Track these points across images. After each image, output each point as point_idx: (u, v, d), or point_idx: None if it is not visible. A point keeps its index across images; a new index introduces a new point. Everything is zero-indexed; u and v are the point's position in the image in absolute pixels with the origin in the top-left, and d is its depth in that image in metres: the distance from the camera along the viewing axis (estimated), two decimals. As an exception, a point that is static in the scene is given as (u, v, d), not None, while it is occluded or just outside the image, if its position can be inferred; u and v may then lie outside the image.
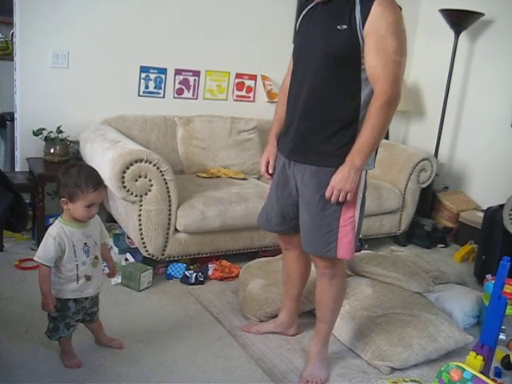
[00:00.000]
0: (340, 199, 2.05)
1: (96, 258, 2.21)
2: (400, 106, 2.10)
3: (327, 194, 2.06)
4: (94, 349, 2.44)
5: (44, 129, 3.57)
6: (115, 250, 3.37)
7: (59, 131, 3.58)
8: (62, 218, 2.13)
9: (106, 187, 2.14)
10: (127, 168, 2.93)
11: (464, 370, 1.51)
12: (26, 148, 3.67)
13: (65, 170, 2.13)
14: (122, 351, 2.43)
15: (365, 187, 2.18)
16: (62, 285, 2.15)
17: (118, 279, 3.07)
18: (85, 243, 2.15)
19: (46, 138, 3.57)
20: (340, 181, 2.03)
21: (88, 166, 2.22)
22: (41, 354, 2.36)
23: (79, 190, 2.03)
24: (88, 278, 2.18)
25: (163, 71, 3.97)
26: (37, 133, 3.57)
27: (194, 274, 3.15)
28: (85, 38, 3.66)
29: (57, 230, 2.09)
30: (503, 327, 2.74)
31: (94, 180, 2.08)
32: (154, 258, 3.14)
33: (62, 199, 2.09)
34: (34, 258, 2.09)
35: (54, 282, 2.15)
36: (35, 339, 2.45)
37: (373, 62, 1.96)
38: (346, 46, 1.98)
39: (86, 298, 2.23)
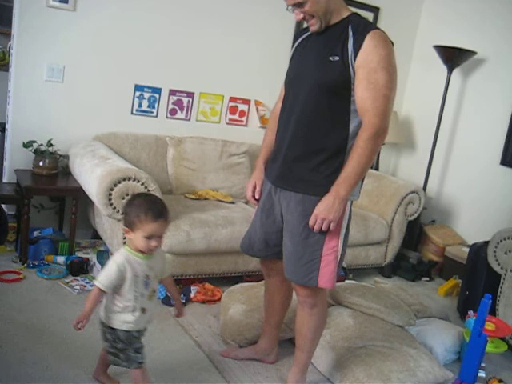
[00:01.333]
0: (323, 228, 2.06)
1: (154, 291, 2.12)
2: (391, 137, 2.13)
3: (311, 222, 2.06)
4: (72, 366, 2.39)
5: (34, 141, 3.57)
6: (98, 266, 3.34)
7: (49, 144, 3.58)
8: (128, 246, 2.06)
9: (168, 219, 2.03)
10: (115, 185, 2.92)
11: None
12: (15, 159, 3.66)
13: (130, 198, 2.13)
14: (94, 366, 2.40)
15: (349, 218, 2.18)
16: (116, 314, 2.06)
17: (98, 297, 3.03)
18: (147, 275, 2.06)
19: (36, 151, 3.56)
20: (324, 210, 2.03)
21: (154, 197, 2.17)
22: (13, 369, 2.32)
23: (138, 219, 1.96)
24: (143, 311, 2.08)
25: (158, 91, 3.99)
26: (27, 145, 3.56)
27: (176, 296, 3.12)
28: (81, 54, 3.68)
29: (123, 258, 2.01)
30: (483, 364, 2.73)
31: (154, 210, 1.98)
32: (137, 277, 3.12)
33: (124, 227, 2.03)
34: (95, 282, 2.00)
35: (108, 308, 2.07)
36: (8, 354, 2.41)
37: (363, 95, 1.98)
38: (337, 77, 2.00)
39: (137, 332, 2.12)
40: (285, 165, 2.16)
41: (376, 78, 1.95)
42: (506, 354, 3.08)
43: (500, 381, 2.79)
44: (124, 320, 2.06)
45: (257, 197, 2.38)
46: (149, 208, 1.97)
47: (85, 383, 2.30)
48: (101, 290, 1.98)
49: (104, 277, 1.99)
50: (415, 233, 4.51)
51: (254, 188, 2.39)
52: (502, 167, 4.28)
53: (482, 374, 2.80)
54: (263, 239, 2.35)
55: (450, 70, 4.39)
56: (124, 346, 2.08)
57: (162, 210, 2.01)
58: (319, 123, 2.07)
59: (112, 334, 2.08)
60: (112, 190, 2.92)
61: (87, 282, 3.23)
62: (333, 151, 2.07)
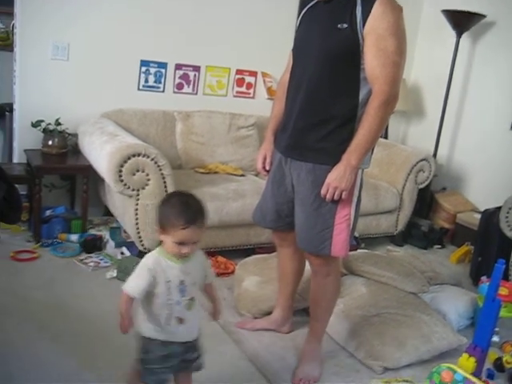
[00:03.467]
0: (335, 197, 2.05)
1: (192, 299, 1.85)
2: (400, 105, 2.10)
3: (323, 191, 2.06)
4: (90, 341, 2.43)
5: (42, 121, 3.56)
6: (111, 243, 3.37)
7: (58, 123, 3.57)
8: (161, 247, 1.82)
9: (202, 225, 1.77)
10: (125, 162, 2.92)
11: (455, 371, 1.51)
12: (24, 139, 3.66)
13: (168, 196, 1.98)
14: (118, 344, 2.42)
15: (361, 186, 2.18)
16: (149, 322, 1.83)
17: (113, 273, 3.06)
18: (182, 281, 1.81)
19: (45, 130, 3.56)
20: (335, 179, 2.03)
21: (191, 198, 1.82)
22: (33, 345, 2.36)
23: (169, 223, 1.73)
24: (180, 321, 1.84)
25: (163, 65, 3.96)
26: (35, 124, 3.56)
27: (190, 270, 3.14)
28: (85, 31, 3.65)
29: (153, 261, 1.79)
30: (496, 329, 2.74)
31: (188, 215, 1.72)
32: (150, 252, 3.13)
33: (156, 227, 1.82)
34: (123, 288, 1.78)
35: (141, 316, 1.85)
36: (28, 331, 2.45)
37: (372, 62, 1.96)
38: (345, 45, 1.98)
39: (176, 344, 1.87)
40: (294, 135, 2.15)
41: (385, 44, 1.93)
42: (520, 318, 3.09)
43: (514, 344, 2.80)
44: (158, 329, 1.83)
45: (267, 168, 2.38)
46: (181, 212, 1.73)
47: (102, 359, 2.34)
48: (129, 296, 1.77)
49: (133, 282, 1.78)
50: (426, 200, 4.50)
51: (264, 159, 2.38)
52: (512, 132, 4.24)
53: (495, 338, 2.82)
54: (275, 210, 2.35)
55: (459, 35, 4.32)
56: (145, 356, 1.87)
57: (197, 215, 1.76)
58: (329, 92, 2.05)
59: (146, 343, 1.87)
60: (122, 166, 2.92)
61: (101, 259, 3.26)
62: (343, 120, 2.06)
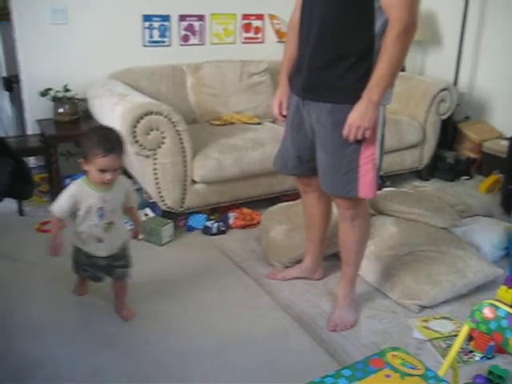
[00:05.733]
0: (358, 137, 1.96)
1: (111, 223, 2.18)
2: (415, 35, 1.97)
3: (345, 132, 1.97)
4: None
5: (51, 89, 3.50)
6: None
7: (66, 90, 3.51)
8: (86, 176, 2.11)
9: (120, 153, 2.06)
10: (138, 122, 2.85)
11: (498, 307, 1.44)
12: (35, 110, 3.61)
13: (88, 130, 2.14)
14: (148, 307, 2.42)
15: (384, 123, 2.08)
16: (75, 236, 2.21)
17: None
18: (100, 207, 2.13)
19: (54, 98, 3.50)
20: (357, 118, 1.93)
21: (108, 129, 2.15)
22: (68, 314, 2.37)
23: (90, 153, 2.01)
24: (99, 240, 2.19)
25: (166, 18, 3.83)
26: (44, 93, 3.50)
27: (216, 224, 3.11)
28: (82, -10, 3.53)
29: (76, 188, 2.11)
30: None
31: (105, 145, 2.01)
32: (174, 210, 3.10)
33: (80, 159, 2.08)
34: (49, 208, 2.16)
35: (72, 231, 2.22)
36: (61, 301, 2.46)
37: None
38: None
39: (99, 258, 2.24)
40: (310, 75, 2.04)
41: None
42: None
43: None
44: (82, 244, 2.22)
45: (284, 113, 2.29)
46: (99, 142, 2.00)
47: (133, 319, 2.34)
48: (55, 216, 2.14)
49: (57, 205, 2.13)
50: (450, 131, 4.36)
51: (281, 104, 2.29)
52: (537, 51, 4.04)
53: (532, 267, 2.75)
54: (296, 156, 2.27)
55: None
56: (76, 259, 2.30)
57: (114, 145, 2.03)
58: (342, 26, 1.93)
59: (76, 251, 2.28)
60: (135, 127, 2.85)
61: (125, 222, 3.21)
62: (359, 54, 1.94)
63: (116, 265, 2.28)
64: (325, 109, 2.03)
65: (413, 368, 1.31)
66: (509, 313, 1.44)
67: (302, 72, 2.10)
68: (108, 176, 2.05)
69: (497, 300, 1.53)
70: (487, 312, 1.46)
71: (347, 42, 1.95)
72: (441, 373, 1.40)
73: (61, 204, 2.12)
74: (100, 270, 2.29)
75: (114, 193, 2.16)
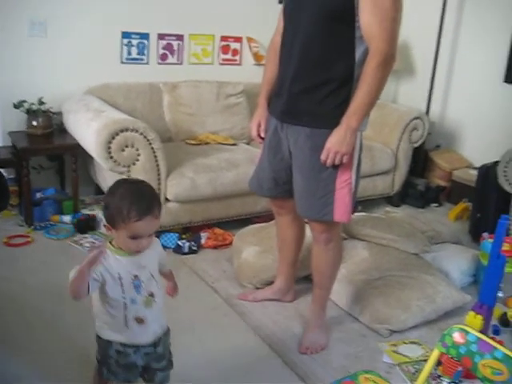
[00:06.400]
0: (336, 162, 1.99)
1: (151, 295, 1.63)
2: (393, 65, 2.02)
3: (323, 157, 1.99)
4: (89, 323, 2.38)
5: (25, 101, 3.45)
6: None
7: (41, 102, 3.47)
8: (112, 242, 1.60)
9: (159, 213, 1.57)
10: (113, 138, 2.84)
11: (468, 332, 1.46)
12: (8, 121, 3.55)
13: (113, 186, 1.62)
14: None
15: (360, 149, 2.12)
16: (106, 325, 1.64)
17: (109, 252, 3.00)
18: (136, 275, 1.60)
19: (28, 111, 3.45)
20: (336, 143, 1.96)
21: (142, 185, 1.62)
22: (37, 331, 2.31)
23: (120, 216, 1.50)
24: (139, 321, 1.62)
25: (145, 36, 3.84)
26: (18, 105, 3.45)
27: (187, 244, 3.10)
28: (62, 5, 3.50)
29: (100, 268, 1.54)
30: (500, 285, 2.72)
31: (141, 206, 1.51)
32: (145, 228, 3.08)
33: (105, 224, 1.58)
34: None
35: (100, 312, 1.64)
36: (30, 316, 2.41)
37: (369, 20, 1.87)
38: (340, 3, 1.89)
39: (138, 348, 1.66)
40: (290, 99, 2.07)
41: (382, 0, 1.84)
42: (522, 273, 3.08)
43: (518, 299, 2.79)
44: (115, 331, 1.64)
45: (262, 135, 2.30)
46: (133, 202, 1.51)
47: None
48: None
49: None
50: (421, 159, 4.45)
51: (259, 126, 2.30)
52: (505, 85, 4.15)
53: (499, 294, 2.80)
54: (272, 177, 2.28)
55: (447, -13, 4.22)
56: (104, 360, 1.68)
57: (152, 204, 1.56)
58: (323, 53, 1.97)
59: (104, 345, 1.67)
60: (110, 142, 2.84)
61: (96, 239, 3.20)
62: (339, 81, 1.98)
63: (157, 367, 1.74)
64: (303, 133, 2.06)
65: (385, 392, 1.32)
66: (479, 338, 1.46)
67: (281, 96, 2.12)
68: (143, 243, 1.56)
69: (466, 325, 1.55)
70: (457, 337, 1.48)
71: (328, 68, 1.98)
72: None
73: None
74: (135, 374, 1.71)
75: (148, 255, 1.64)
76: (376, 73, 1.90)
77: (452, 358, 2.17)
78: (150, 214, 1.52)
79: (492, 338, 1.73)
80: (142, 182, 1.65)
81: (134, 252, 1.57)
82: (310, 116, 2.03)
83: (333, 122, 1.98)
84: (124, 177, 2.94)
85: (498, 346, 1.42)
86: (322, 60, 1.98)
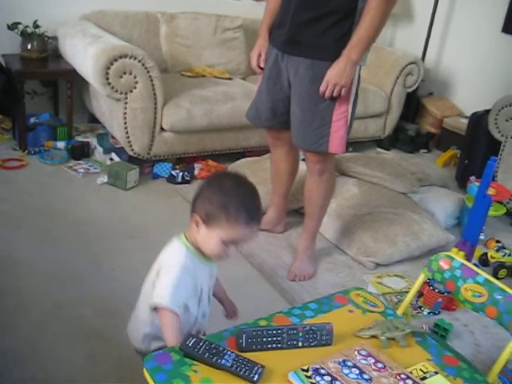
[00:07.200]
0: (335, 94, 2.02)
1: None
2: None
3: (322, 88, 2.02)
4: (87, 244, 2.45)
5: (19, 23, 3.39)
6: (99, 149, 3.32)
7: (36, 26, 3.40)
8: (188, 240, 1.37)
9: (258, 223, 1.36)
10: (111, 64, 2.83)
11: (453, 259, 1.55)
12: (1, 43, 3.47)
13: (218, 177, 1.44)
14: (113, 246, 2.45)
15: (358, 82, 2.14)
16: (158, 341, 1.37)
17: (104, 178, 3.04)
18: (210, 287, 1.44)
19: (23, 33, 3.39)
20: (336, 75, 1.99)
21: (252, 186, 1.37)
22: (34, 249, 2.37)
23: (225, 214, 1.28)
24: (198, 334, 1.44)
25: (144, -38, 3.75)
26: (12, 27, 3.39)
27: (181, 174, 3.14)
28: None
29: (189, 261, 1.33)
30: (483, 227, 2.82)
31: (251, 209, 1.31)
32: (140, 157, 3.11)
33: (195, 214, 1.33)
34: (161, 305, 1.27)
35: (147, 333, 1.39)
36: (27, 236, 2.46)
37: None
38: None
39: None
40: (292, 30, 2.08)
41: None
42: (503, 218, 3.19)
43: (497, 241, 2.90)
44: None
45: (262, 65, 2.31)
46: (245, 204, 1.30)
47: (98, 257, 2.38)
48: (174, 312, 1.27)
49: (172, 293, 1.27)
50: (413, 105, 4.48)
51: (259, 56, 2.31)
52: (503, 35, 4.15)
53: (481, 236, 2.91)
54: (270, 107, 2.31)
55: None
56: None
57: (260, 211, 1.37)
58: None
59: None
60: (109, 68, 2.83)
61: (90, 165, 3.23)
62: (342, 13, 1.99)
63: None
64: (304, 63, 2.07)
65: (374, 306, 1.40)
66: (463, 264, 1.55)
67: (284, 27, 2.12)
68: (232, 251, 1.35)
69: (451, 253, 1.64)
70: (443, 262, 1.57)
71: (331, 0, 1.98)
72: (398, 312, 1.50)
73: (178, 289, 1.28)
74: None
75: (216, 265, 1.45)
76: (380, 6, 1.91)
77: (434, 289, 2.30)
78: (257, 222, 1.34)
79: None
80: (248, 181, 1.37)
81: (216, 258, 1.36)
82: (312, 47, 2.05)
83: (334, 54, 2.00)
84: (120, 103, 2.95)
85: (480, 271, 1.52)
86: None
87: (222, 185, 1.32)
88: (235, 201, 1.29)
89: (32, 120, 3.47)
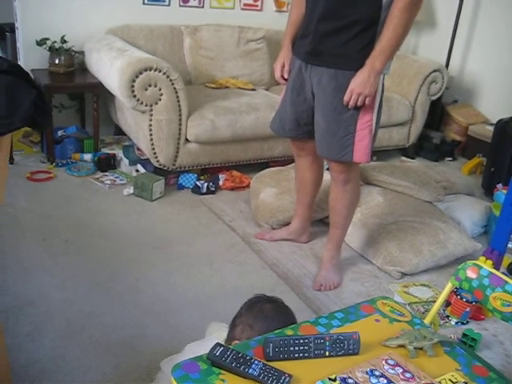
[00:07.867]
0: (359, 103, 2.03)
1: None
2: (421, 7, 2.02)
3: (346, 97, 2.03)
4: (113, 255, 2.48)
5: (48, 38, 3.47)
6: (125, 161, 3.37)
7: (63, 41, 3.48)
8: None
9: None
10: (136, 77, 2.87)
11: (481, 267, 1.53)
12: (30, 59, 3.57)
13: (256, 301, 1.48)
14: (138, 257, 2.48)
15: (382, 91, 2.14)
16: None
17: (130, 189, 3.08)
18: None
19: (51, 48, 3.48)
20: (359, 84, 1.99)
21: (290, 311, 1.47)
22: (60, 260, 2.41)
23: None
24: None
25: (168, -23, 3.81)
26: (40, 43, 3.47)
27: (206, 184, 3.16)
28: None
29: None
30: (511, 235, 2.79)
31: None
32: (165, 168, 3.14)
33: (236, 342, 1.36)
34: None
35: None
36: (53, 246, 2.50)
37: None
38: None
39: None
40: (316, 40, 2.09)
41: None
42: (532, 225, 3.13)
43: (526, 249, 2.86)
44: None
45: (285, 76, 2.32)
46: (267, 330, 1.29)
47: (123, 267, 2.40)
48: None
49: None
50: (438, 113, 4.45)
51: (283, 67, 2.32)
52: (528, 40, 4.12)
53: (509, 244, 2.86)
54: (294, 118, 2.32)
55: None
56: None
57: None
58: None
59: None
60: (134, 81, 2.87)
61: (117, 177, 3.27)
62: (366, 23, 1.99)
63: None
64: (327, 73, 2.08)
65: (401, 315, 1.39)
66: (491, 272, 1.53)
67: (307, 37, 2.14)
68: None
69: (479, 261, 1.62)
70: (470, 271, 1.56)
71: (355, 10, 1.99)
72: (425, 321, 1.49)
73: None
74: None
75: None
76: (403, 14, 1.91)
77: (461, 298, 2.27)
78: None
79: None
80: (285, 305, 1.43)
81: None
82: (335, 57, 2.05)
83: (357, 64, 2.00)
84: (146, 115, 2.99)
85: (509, 280, 1.50)
86: (350, 1, 1.99)
87: (257, 310, 1.38)
88: (260, 325, 1.36)
89: (59, 133, 3.53)
